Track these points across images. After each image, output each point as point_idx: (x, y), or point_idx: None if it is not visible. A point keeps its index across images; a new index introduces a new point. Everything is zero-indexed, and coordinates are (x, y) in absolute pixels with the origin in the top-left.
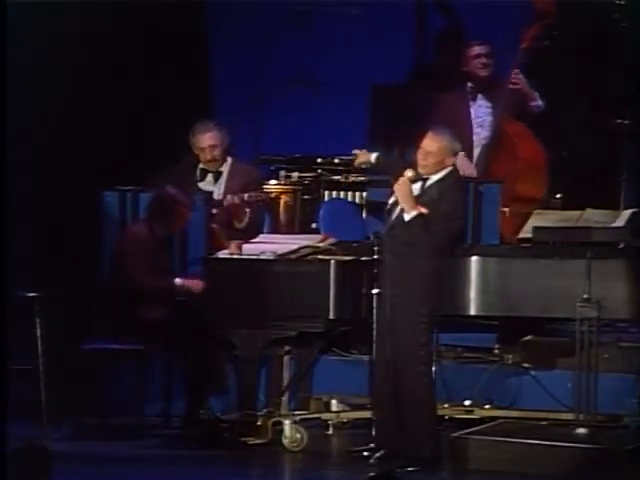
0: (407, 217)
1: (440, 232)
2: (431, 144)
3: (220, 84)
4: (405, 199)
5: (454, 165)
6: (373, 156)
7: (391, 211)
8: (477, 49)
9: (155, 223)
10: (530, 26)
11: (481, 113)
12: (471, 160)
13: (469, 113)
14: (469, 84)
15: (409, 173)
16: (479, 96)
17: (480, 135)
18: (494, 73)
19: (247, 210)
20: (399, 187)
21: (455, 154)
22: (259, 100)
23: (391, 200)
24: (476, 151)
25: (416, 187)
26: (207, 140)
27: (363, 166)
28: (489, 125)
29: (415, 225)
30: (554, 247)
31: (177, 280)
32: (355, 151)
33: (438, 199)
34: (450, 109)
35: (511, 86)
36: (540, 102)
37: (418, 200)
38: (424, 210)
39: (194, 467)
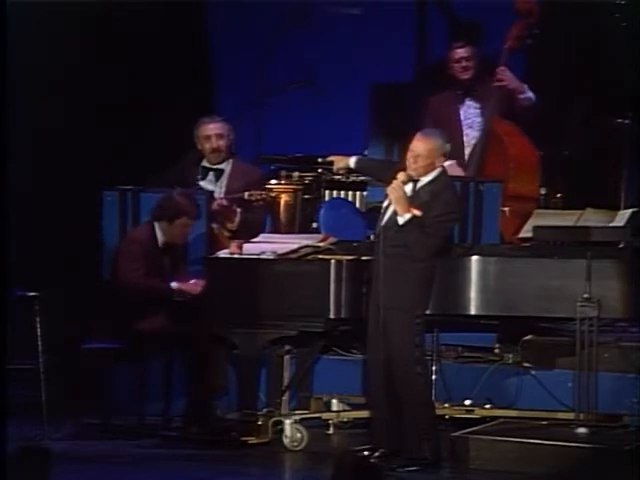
0: (401, 220)
1: (434, 234)
2: (420, 146)
3: (221, 84)
4: (398, 202)
5: (443, 166)
6: (352, 160)
7: (384, 213)
8: (458, 52)
9: (158, 226)
10: (512, 26)
11: (470, 114)
12: (463, 161)
13: (458, 114)
14: (455, 87)
15: (402, 176)
16: (467, 97)
17: (469, 136)
18: (480, 73)
19: (238, 211)
20: (392, 190)
21: (445, 155)
22: (260, 100)
23: (385, 203)
24: (467, 152)
25: (407, 189)
26: (213, 129)
27: (342, 171)
28: (478, 126)
29: (409, 228)
30: (554, 247)
31: (173, 284)
32: (330, 157)
33: (430, 200)
34: (440, 110)
35: (497, 83)
36: (530, 94)
37: (410, 202)
38: (417, 212)
39: (194, 467)
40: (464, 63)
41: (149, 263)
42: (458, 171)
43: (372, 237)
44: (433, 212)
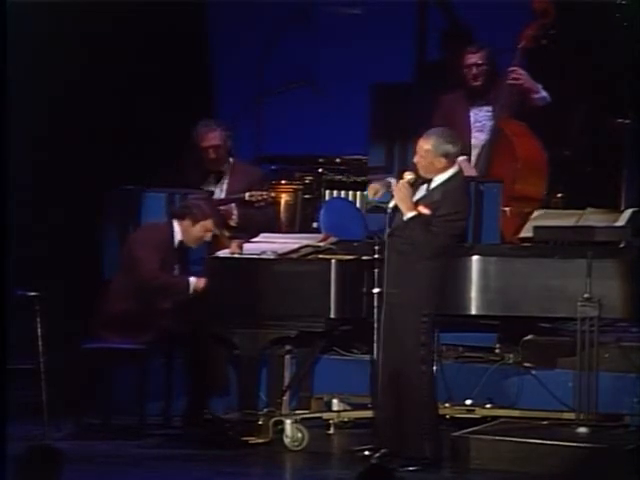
0: (405, 217)
1: (439, 233)
2: (420, 146)
3: (222, 83)
4: (402, 201)
5: (459, 166)
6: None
7: (395, 212)
8: (470, 58)
9: (178, 226)
10: (528, 25)
11: (481, 117)
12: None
13: (468, 116)
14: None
15: (408, 176)
16: (479, 100)
17: (479, 139)
18: (492, 76)
19: (234, 207)
20: (397, 190)
21: (446, 156)
22: (260, 99)
23: (391, 203)
24: (474, 152)
25: (423, 188)
26: (210, 140)
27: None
28: (488, 129)
29: (413, 225)
30: (555, 246)
31: (192, 279)
32: (372, 186)
33: (440, 200)
34: (450, 111)
35: (511, 81)
36: (544, 94)
37: (422, 201)
38: (425, 210)
39: (195, 466)
40: (475, 70)
41: (163, 259)
42: (469, 168)
43: (378, 236)
44: (440, 211)
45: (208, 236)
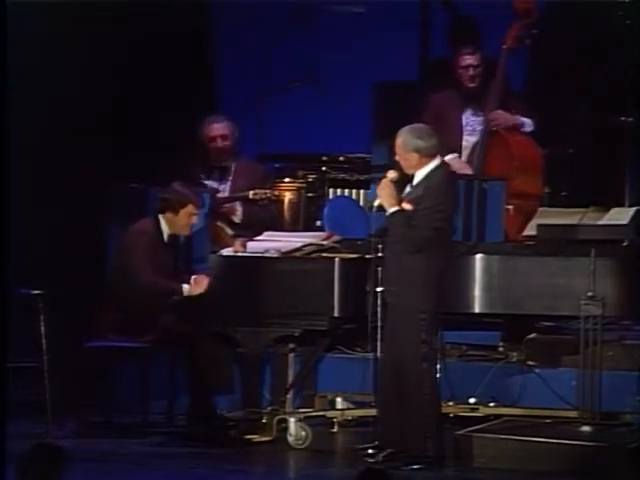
0: (387, 214)
1: (420, 226)
2: (395, 143)
3: (225, 82)
4: (385, 199)
5: (442, 160)
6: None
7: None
8: (466, 59)
9: (163, 219)
10: (511, 26)
11: (472, 122)
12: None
13: (460, 117)
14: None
15: (391, 174)
16: (471, 103)
17: (469, 141)
18: (484, 81)
19: (238, 204)
20: (380, 188)
21: (417, 151)
22: (264, 98)
23: (376, 202)
24: (464, 153)
25: (409, 186)
26: (218, 129)
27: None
28: (479, 134)
29: (395, 221)
30: (558, 245)
31: (185, 286)
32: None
33: (422, 195)
34: (441, 112)
35: (494, 128)
36: (527, 122)
37: (406, 197)
38: (407, 206)
39: (198, 465)
40: (472, 71)
41: (156, 258)
42: (464, 166)
43: (374, 235)
44: (421, 205)
45: (194, 220)
